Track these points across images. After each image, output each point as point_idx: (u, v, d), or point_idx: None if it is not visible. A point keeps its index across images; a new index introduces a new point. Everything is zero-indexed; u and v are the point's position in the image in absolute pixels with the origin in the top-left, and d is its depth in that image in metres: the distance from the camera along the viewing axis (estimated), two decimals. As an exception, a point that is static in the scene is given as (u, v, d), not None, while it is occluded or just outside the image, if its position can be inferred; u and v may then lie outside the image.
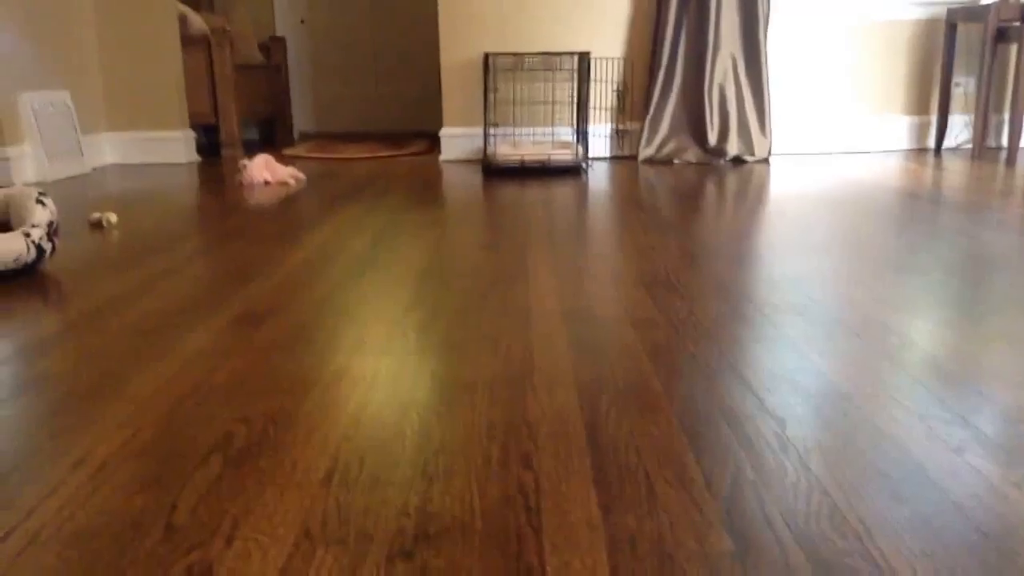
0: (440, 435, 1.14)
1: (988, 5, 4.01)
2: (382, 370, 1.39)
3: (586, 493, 0.99)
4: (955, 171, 3.71)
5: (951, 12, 4.24)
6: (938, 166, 3.89)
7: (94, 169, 4.22)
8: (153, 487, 1.01)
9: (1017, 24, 3.96)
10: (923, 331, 1.57)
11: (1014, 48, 4.15)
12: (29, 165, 3.74)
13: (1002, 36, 4.01)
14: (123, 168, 4.31)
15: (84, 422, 1.21)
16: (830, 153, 4.45)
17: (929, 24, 4.40)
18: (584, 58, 4.09)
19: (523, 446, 1.11)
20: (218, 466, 1.06)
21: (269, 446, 1.11)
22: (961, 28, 4.31)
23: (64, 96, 4.02)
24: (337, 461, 1.07)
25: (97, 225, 2.68)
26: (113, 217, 2.70)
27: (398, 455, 1.08)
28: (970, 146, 4.34)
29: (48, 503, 0.98)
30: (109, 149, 4.45)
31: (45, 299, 1.88)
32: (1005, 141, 4.17)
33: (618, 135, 4.39)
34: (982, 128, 4.11)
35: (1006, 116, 4.43)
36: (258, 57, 5.68)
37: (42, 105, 3.83)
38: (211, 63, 4.70)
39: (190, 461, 1.08)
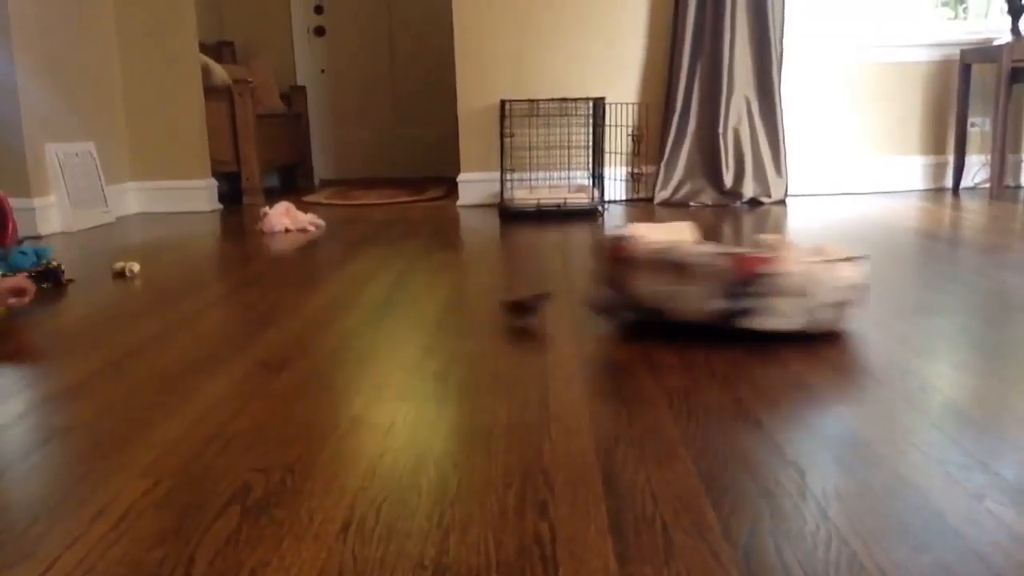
0: (456, 484, 1.14)
1: (1001, 46, 4.03)
2: (399, 418, 1.40)
3: (602, 541, 0.98)
4: (974, 211, 3.70)
5: (964, 53, 4.26)
6: (956, 206, 3.88)
7: (118, 218, 4.29)
8: (172, 539, 1.02)
9: (1031, 64, 3.97)
10: (943, 375, 1.56)
11: (1029, 87, 4.16)
12: (55, 215, 3.81)
13: (1016, 76, 4.02)
14: (147, 217, 4.38)
15: (106, 471, 1.23)
16: (847, 194, 4.45)
17: (943, 65, 4.42)
18: (599, 103, 4.13)
19: (539, 494, 1.11)
20: (236, 517, 1.07)
21: (287, 496, 1.12)
22: (975, 68, 4.33)
23: (89, 146, 4.11)
24: (354, 512, 1.07)
25: (120, 274, 2.72)
26: (136, 266, 2.74)
27: (414, 505, 1.09)
28: (988, 186, 4.33)
29: (69, 554, 0.99)
30: (133, 198, 4.53)
31: (69, 348, 1.91)
32: (1023, 180, 4.16)
33: (633, 178, 4.41)
34: (1000, 168, 4.11)
35: (1023, 156, 4.42)
36: (279, 106, 5.79)
37: (67, 156, 3.91)
38: (233, 113, 4.80)
39: (209, 512, 1.09)
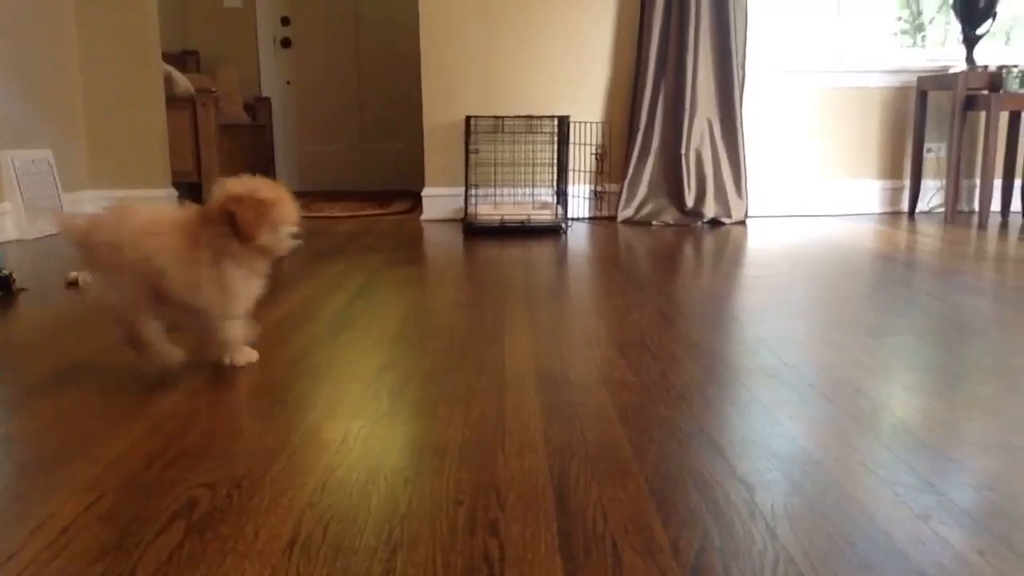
0: (407, 501, 1.13)
1: (956, 74, 4.13)
2: (352, 433, 1.39)
3: (552, 561, 0.98)
4: (928, 235, 3.77)
5: (921, 80, 4.35)
6: (912, 230, 3.95)
7: (75, 226, 4.22)
8: (113, 554, 1.00)
9: (985, 92, 4.06)
10: (894, 395, 1.58)
11: (983, 115, 4.26)
12: (9, 223, 3.74)
13: (970, 104, 4.11)
14: (104, 225, 4.30)
15: (49, 484, 1.20)
16: (806, 216, 4.51)
17: (900, 91, 4.51)
18: (564, 121, 4.16)
19: (490, 512, 1.10)
20: (180, 533, 1.05)
21: (232, 512, 1.10)
22: (931, 96, 4.43)
23: (46, 154, 4.04)
24: (301, 528, 1.06)
25: (74, 284, 2.67)
26: (90, 276, 2.69)
27: (363, 522, 1.07)
28: (943, 210, 4.42)
29: (4, 570, 0.96)
30: (92, 207, 4.45)
31: (16, 358, 1.87)
32: (976, 206, 4.25)
33: (597, 196, 4.44)
34: (954, 193, 4.19)
35: (977, 181, 4.52)
36: (243, 117, 5.75)
37: (24, 163, 3.84)
38: (196, 123, 4.75)
39: (152, 527, 1.06)
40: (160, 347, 1.68)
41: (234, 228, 1.54)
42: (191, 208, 1.63)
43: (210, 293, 1.59)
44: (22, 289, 2.58)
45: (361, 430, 1.40)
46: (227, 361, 1.72)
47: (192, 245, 1.57)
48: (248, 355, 1.75)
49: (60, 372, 1.75)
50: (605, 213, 4.46)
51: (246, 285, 1.63)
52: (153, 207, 1.65)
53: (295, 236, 1.61)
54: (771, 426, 1.42)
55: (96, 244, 1.58)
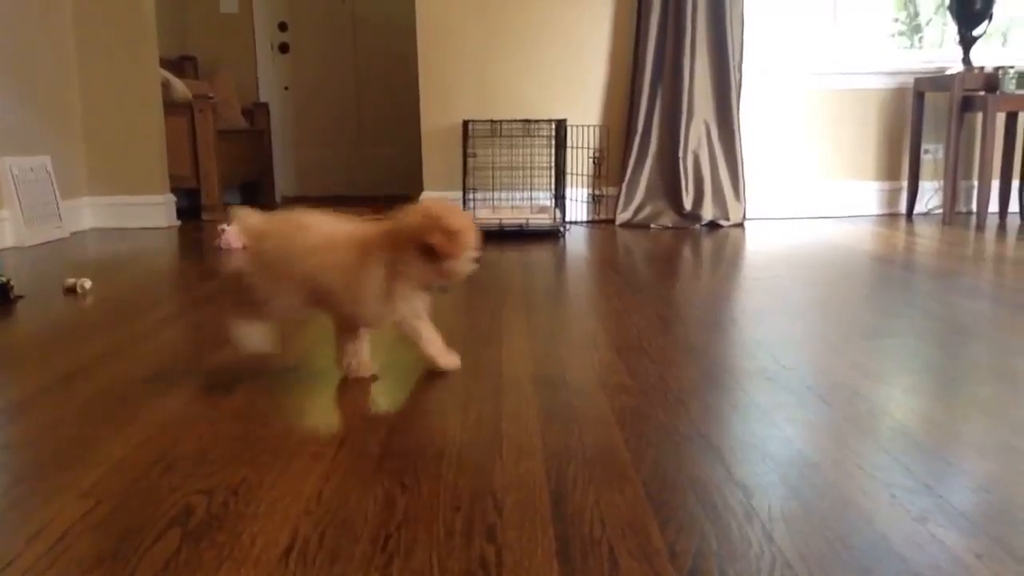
0: (404, 507, 1.13)
1: (953, 75, 4.13)
2: (349, 438, 1.38)
3: (548, 566, 0.98)
4: (926, 236, 3.77)
5: (918, 81, 4.36)
6: (910, 231, 3.95)
7: (73, 234, 4.22)
8: (109, 561, 1.00)
9: (981, 93, 4.07)
10: (892, 398, 1.58)
11: (979, 116, 4.26)
12: (7, 230, 3.74)
13: (967, 105, 4.12)
14: (103, 232, 4.31)
15: (46, 492, 1.20)
16: (804, 218, 4.51)
17: (898, 93, 4.52)
18: (561, 125, 4.16)
19: (488, 517, 1.10)
20: (176, 540, 1.04)
21: (229, 519, 1.10)
22: (928, 97, 4.43)
23: (44, 161, 4.04)
24: (297, 535, 1.05)
25: (71, 291, 2.67)
26: (88, 283, 2.69)
27: (360, 529, 1.07)
28: (941, 211, 4.42)
29: (0, 580, 0.96)
30: (89, 213, 4.46)
31: (14, 366, 1.86)
32: (975, 206, 4.25)
33: (595, 200, 4.44)
34: (952, 194, 4.20)
35: (975, 182, 4.52)
36: (241, 122, 5.75)
37: (22, 170, 3.84)
38: (193, 129, 4.75)
39: (149, 534, 1.06)
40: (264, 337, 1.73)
41: (426, 252, 1.56)
42: (372, 224, 1.65)
43: (375, 306, 1.61)
44: (20, 296, 2.58)
45: (358, 435, 1.40)
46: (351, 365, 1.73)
47: (364, 262, 1.59)
48: (367, 367, 1.75)
49: (57, 379, 1.75)
50: (603, 216, 4.46)
51: (412, 301, 1.65)
52: (331, 219, 1.66)
53: (475, 261, 1.63)
54: (768, 429, 1.42)
55: (264, 251, 1.63)
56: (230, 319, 1.72)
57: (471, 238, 1.60)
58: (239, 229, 1.70)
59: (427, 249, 1.55)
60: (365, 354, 1.74)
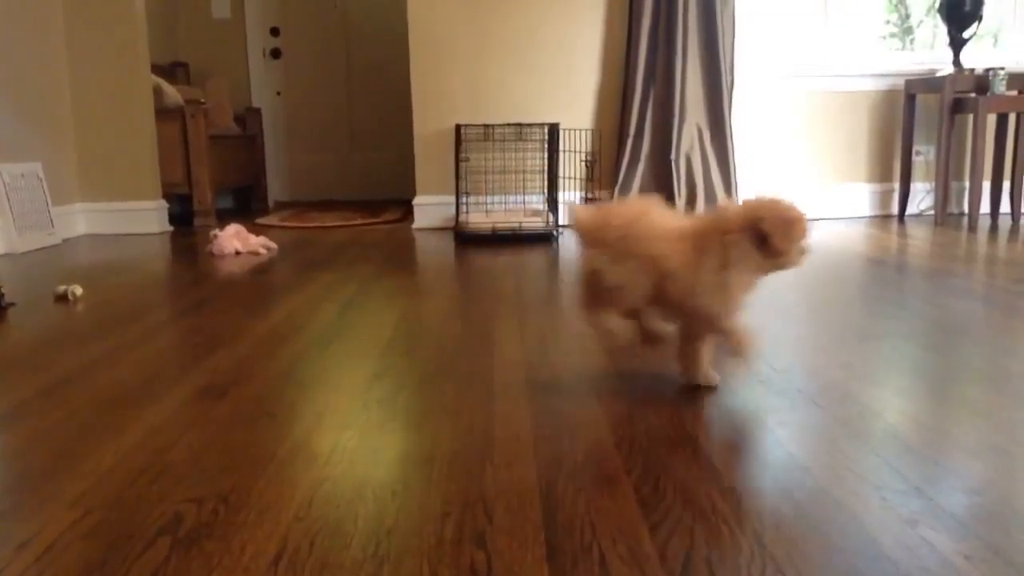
0: (394, 514, 1.13)
1: (944, 77, 4.14)
2: (340, 445, 1.38)
3: (539, 572, 0.97)
4: (918, 238, 3.78)
5: (909, 83, 4.37)
6: (902, 233, 3.96)
7: (65, 240, 4.21)
8: (99, 570, 0.99)
9: (972, 95, 4.08)
10: (883, 400, 1.58)
11: (970, 118, 4.28)
12: (-2, 236, 3.73)
13: (958, 106, 4.13)
14: (95, 239, 4.30)
15: (35, 501, 1.19)
16: (797, 220, 4.51)
17: (889, 95, 4.53)
18: (554, 129, 4.16)
19: (478, 523, 1.10)
20: (166, 549, 1.04)
21: (219, 527, 1.09)
22: (920, 99, 4.44)
23: (36, 167, 4.03)
24: (287, 543, 1.05)
25: (63, 298, 2.66)
26: (79, 290, 2.68)
27: (349, 536, 1.07)
28: (932, 213, 4.43)
29: (-13, 591, 0.96)
30: (81, 220, 4.45)
31: (3, 374, 1.86)
32: (966, 207, 4.27)
33: (588, 203, 4.44)
34: (943, 195, 4.21)
35: (966, 183, 4.54)
36: (233, 128, 5.74)
37: (13, 176, 3.83)
38: (185, 134, 4.75)
39: (138, 543, 1.06)
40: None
41: (761, 243, 1.57)
42: (697, 218, 1.66)
43: (710, 297, 1.60)
44: (11, 303, 2.57)
45: (349, 442, 1.40)
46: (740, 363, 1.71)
47: (696, 252, 1.59)
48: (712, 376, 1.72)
49: (46, 387, 1.74)
50: (596, 220, 4.45)
51: (744, 290, 1.63)
52: (660, 210, 1.67)
53: (805, 251, 1.63)
54: (759, 432, 1.42)
55: (609, 235, 1.62)
56: (588, 317, 1.71)
57: (804, 229, 1.60)
58: (576, 221, 1.69)
59: (761, 238, 1.56)
60: (708, 362, 1.70)
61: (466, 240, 3.92)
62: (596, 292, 1.67)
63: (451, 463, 1.30)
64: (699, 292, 1.59)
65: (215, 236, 3.63)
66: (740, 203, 1.63)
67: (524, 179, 4.36)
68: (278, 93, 6.45)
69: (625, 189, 4.31)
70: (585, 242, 1.68)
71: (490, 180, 4.33)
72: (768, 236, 1.55)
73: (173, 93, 4.83)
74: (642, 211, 1.65)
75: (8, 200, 3.75)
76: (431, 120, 4.38)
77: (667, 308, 1.67)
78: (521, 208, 4.29)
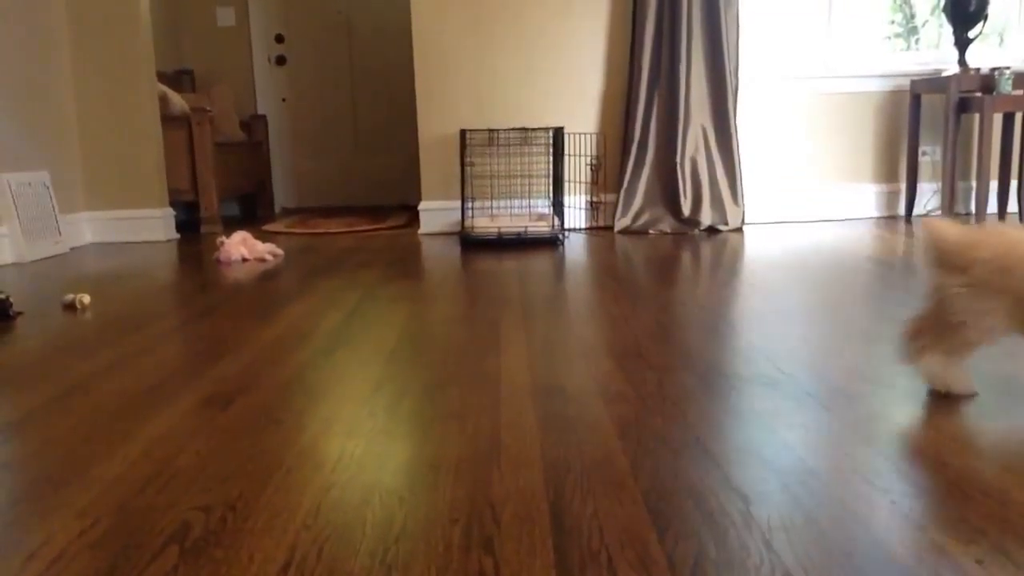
0: (402, 520, 1.13)
1: (949, 76, 4.13)
2: (347, 452, 1.38)
3: (547, 578, 0.97)
4: (925, 237, 3.76)
5: (914, 83, 4.36)
6: (909, 233, 3.95)
7: (72, 249, 4.23)
8: (107, 581, 0.99)
9: (978, 94, 4.07)
10: (891, 403, 1.57)
11: (976, 117, 4.26)
12: (6, 246, 3.74)
13: (964, 106, 4.12)
14: (102, 247, 4.32)
15: (42, 511, 1.19)
16: (803, 222, 4.51)
17: (894, 95, 4.52)
18: (559, 133, 4.17)
19: (486, 529, 1.09)
20: (174, 557, 1.04)
21: (227, 535, 1.09)
22: (925, 99, 4.43)
23: (43, 176, 4.05)
24: (295, 550, 1.05)
25: (71, 307, 2.67)
26: (87, 298, 2.69)
27: (357, 543, 1.07)
28: (939, 213, 4.42)
29: (-3, 600, 0.96)
30: (88, 228, 4.47)
31: (12, 382, 1.86)
32: (973, 207, 4.25)
33: (593, 207, 4.44)
34: (950, 195, 4.20)
35: (973, 183, 4.52)
36: (239, 135, 5.76)
37: (20, 185, 3.85)
38: (191, 142, 4.76)
39: (146, 552, 1.06)
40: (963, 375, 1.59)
41: None
42: None
43: None
44: (19, 312, 2.58)
45: (356, 449, 1.40)
46: None
47: None
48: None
49: (55, 396, 1.75)
50: (601, 223, 4.46)
51: None
52: None
53: None
54: (767, 436, 1.41)
55: (975, 260, 1.48)
56: (910, 350, 1.57)
57: None
58: (937, 240, 1.51)
59: None
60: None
61: (472, 245, 3.92)
62: (935, 324, 1.52)
63: (458, 469, 1.30)
64: None
65: (221, 243, 3.64)
66: None
67: (529, 183, 4.36)
68: (283, 100, 6.46)
69: (631, 192, 4.31)
70: (941, 265, 1.51)
71: (495, 184, 4.34)
72: None
73: (179, 101, 4.85)
74: (1019, 239, 1.46)
75: (16, 209, 3.77)
76: (436, 125, 4.39)
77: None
78: (526, 212, 4.29)
